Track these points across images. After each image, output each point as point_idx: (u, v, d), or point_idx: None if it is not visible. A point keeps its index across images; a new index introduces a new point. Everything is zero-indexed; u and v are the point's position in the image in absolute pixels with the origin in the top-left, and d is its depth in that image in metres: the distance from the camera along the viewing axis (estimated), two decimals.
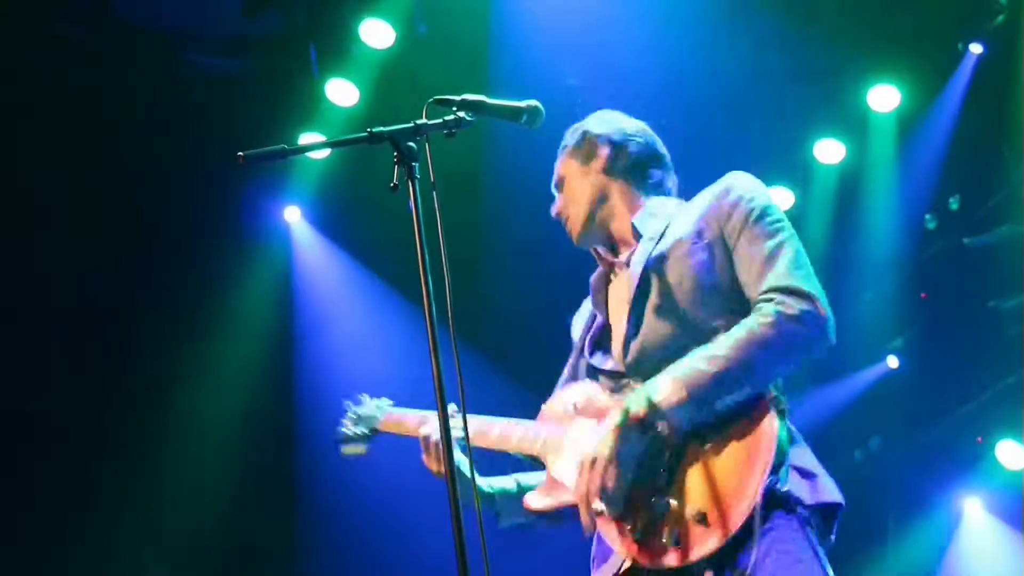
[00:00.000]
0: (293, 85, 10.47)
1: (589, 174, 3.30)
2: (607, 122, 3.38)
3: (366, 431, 4.00)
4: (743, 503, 2.65)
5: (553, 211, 3.39)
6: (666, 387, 2.76)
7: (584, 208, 3.28)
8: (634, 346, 3.01)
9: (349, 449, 4.05)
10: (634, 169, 3.30)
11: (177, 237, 10.00)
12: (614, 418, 2.83)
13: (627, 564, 2.91)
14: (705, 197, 3.12)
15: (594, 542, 3.12)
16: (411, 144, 2.56)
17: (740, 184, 3.05)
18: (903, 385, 9.13)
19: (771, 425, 2.72)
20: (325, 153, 8.51)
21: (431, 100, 2.70)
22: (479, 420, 3.34)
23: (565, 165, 3.37)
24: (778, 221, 2.95)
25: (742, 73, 9.35)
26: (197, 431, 8.67)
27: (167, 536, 7.23)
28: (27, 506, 6.92)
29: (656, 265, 3.04)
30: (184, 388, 10.04)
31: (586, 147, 3.32)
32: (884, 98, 9.10)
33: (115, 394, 7.94)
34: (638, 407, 2.78)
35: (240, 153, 2.63)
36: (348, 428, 4.01)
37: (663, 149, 3.40)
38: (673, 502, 2.76)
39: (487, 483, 3.32)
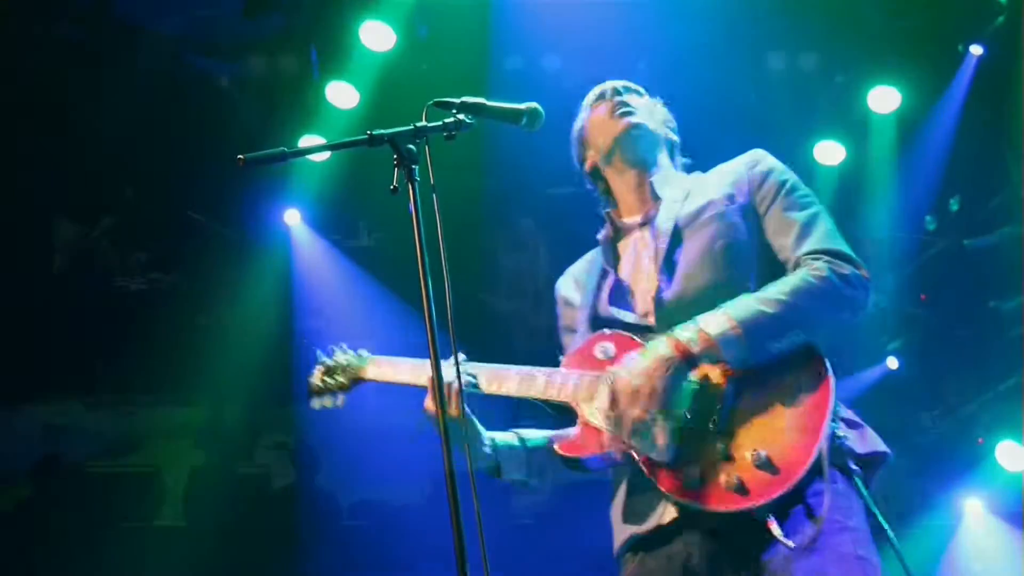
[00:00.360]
0: (293, 87, 10.49)
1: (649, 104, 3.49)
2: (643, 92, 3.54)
3: (344, 381, 3.77)
4: (809, 450, 2.65)
5: (629, 123, 3.38)
6: (720, 321, 2.77)
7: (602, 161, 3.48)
8: (667, 301, 3.01)
9: (321, 402, 3.80)
10: (673, 144, 3.51)
11: (177, 240, 10.04)
12: (659, 349, 2.80)
13: (671, 515, 2.86)
14: (732, 166, 3.22)
15: (622, 496, 3.06)
16: (411, 146, 2.57)
17: (769, 158, 3.18)
18: (903, 385, 9.15)
19: (830, 375, 2.76)
20: (325, 156, 8.50)
21: (431, 103, 2.71)
22: (495, 367, 3.22)
23: (636, 100, 3.46)
24: (810, 195, 3.08)
25: (742, 74, 9.39)
26: (196, 439, 8.73)
27: None
28: None
29: (688, 223, 3.10)
30: (184, 388, 10.10)
31: (648, 99, 3.50)
32: (884, 99, 9.10)
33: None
34: (688, 338, 2.78)
35: (240, 156, 2.64)
36: (319, 379, 3.80)
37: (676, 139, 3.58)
38: (733, 446, 2.74)
39: (489, 436, 3.20)
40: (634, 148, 3.35)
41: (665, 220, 3.14)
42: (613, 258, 3.30)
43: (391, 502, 7.35)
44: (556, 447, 3.06)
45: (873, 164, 9.14)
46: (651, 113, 3.41)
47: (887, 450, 2.95)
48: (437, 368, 2.46)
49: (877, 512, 2.79)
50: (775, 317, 2.75)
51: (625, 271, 3.23)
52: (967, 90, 8.90)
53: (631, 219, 3.32)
